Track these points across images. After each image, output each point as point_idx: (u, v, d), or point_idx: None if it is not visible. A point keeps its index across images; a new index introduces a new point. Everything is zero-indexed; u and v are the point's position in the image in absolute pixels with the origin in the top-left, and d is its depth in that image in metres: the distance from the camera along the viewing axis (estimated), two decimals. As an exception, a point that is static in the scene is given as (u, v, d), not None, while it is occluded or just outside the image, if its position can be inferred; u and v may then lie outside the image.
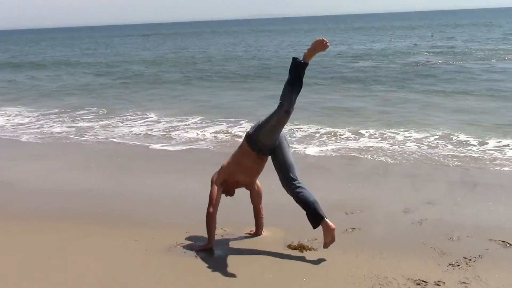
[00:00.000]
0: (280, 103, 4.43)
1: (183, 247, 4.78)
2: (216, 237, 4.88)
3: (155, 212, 5.91)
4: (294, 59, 4.40)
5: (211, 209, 4.57)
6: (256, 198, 4.96)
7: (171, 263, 4.42)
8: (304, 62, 4.36)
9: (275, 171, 4.67)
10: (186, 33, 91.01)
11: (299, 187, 4.54)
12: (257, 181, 4.91)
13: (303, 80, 4.44)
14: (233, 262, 4.43)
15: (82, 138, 11.03)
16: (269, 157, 4.71)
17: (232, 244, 4.86)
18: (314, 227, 4.55)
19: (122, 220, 5.64)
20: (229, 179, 4.68)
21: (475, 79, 18.09)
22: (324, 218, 4.47)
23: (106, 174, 7.81)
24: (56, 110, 14.84)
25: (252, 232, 5.08)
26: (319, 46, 4.31)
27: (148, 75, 24.19)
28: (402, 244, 4.80)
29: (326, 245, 4.53)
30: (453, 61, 24.06)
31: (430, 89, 16.46)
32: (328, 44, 4.29)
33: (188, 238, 5.00)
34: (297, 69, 4.36)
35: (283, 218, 5.49)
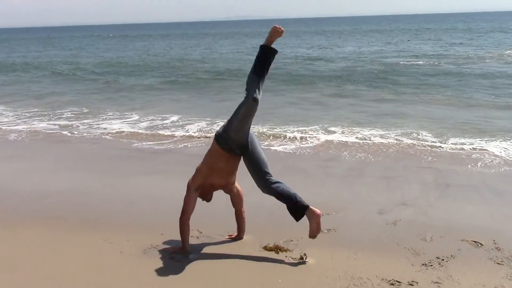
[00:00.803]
0: (246, 93, 4.42)
1: (159, 249, 4.74)
2: (192, 239, 4.87)
3: (131, 214, 5.85)
4: (262, 46, 4.44)
5: (184, 215, 4.57)
6: (236, 201, 4.89)
7: (146, 266, 4.37)
8: (274, 49, 4.44)
9: (248, 171, 4.65)
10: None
11: (276, 182, 4.55)
12: (237, 184, 4.83)
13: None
14: (208, 264, 4.41)
15: (56, 138, 10.86)
16: (242, 158, 4.66)
17: (208, 246, 4.84)
18: (298, 219, 4.54)
19: (96, 222, 5.57)
20: (204, 183, 4.61)
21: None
22: (308, 206, 4.48)
23: (80, 175, 7.71)
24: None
25: (233, 236, 5.04)
26: (275, 32, 4.40)
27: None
28: (376, 245, 4.85)
29: (312, 234, 4.52)
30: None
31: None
32: (282, 29, 4.41)
33: (164, 241, 4.96)
34: (266, 55, 4.43)
35: (258, 220, 5.50)
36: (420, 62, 25.86)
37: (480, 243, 4.84)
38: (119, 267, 4.36)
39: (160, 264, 4.41)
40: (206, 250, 4.74)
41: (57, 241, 5.00)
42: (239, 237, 5.00)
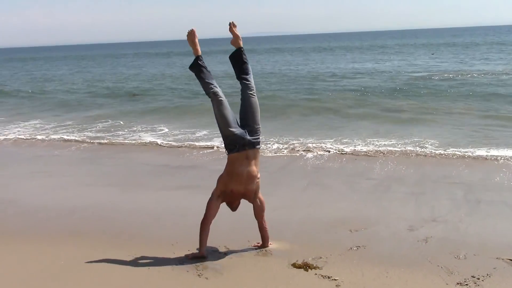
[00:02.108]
0: (208, 96, 4.86)
1: (185, 266, 4.69)
2: (220, 255, 4.88)
3: (157, 230, 5.83)
4: (195, 58, 4.93)
5: (204, 220, 4.81)
6: (257, 212, 4.97)
7: (173, 283, 4.33)
8: (197, 56, 4.93)
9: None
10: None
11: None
12: (260, 196, 4.93)
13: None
14: (237, 282, 4.34)
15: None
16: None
17: (236, 263, 4.76)
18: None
19: (123, 238, 5.55)
20: (225, 190, 4.79)
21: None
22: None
23: (105, 190, 7.75)
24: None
25: (259, 244, 5.12)
26: (189, 37, 4.97)
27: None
28: (408, 262, 4.72)
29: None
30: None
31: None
32: (189, 31, 4.95)
33: (190, 257, 4.90)
34: (194, 64, 4.93)
35: (286, 235, 5.43)
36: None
37: (516, 262, 4.67)
38: (146, 285, 4.31)
39: (187, 281, 4.36)
40: (234, 266, 4.67)
41: (83, 257, 4.98)
42: (263, 246, 5.07)
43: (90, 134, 13.65)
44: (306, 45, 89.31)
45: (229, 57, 5.15)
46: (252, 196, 4.87)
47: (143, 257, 4.93)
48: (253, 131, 4.80)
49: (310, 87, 22.95)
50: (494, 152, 9.77)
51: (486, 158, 9.36)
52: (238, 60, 5.07)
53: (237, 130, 4.74)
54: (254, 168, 4.74)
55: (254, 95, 4.96)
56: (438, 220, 6.03)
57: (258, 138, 4.83)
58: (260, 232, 5.05)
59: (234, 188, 4.76)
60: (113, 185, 8.14)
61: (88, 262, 4.85)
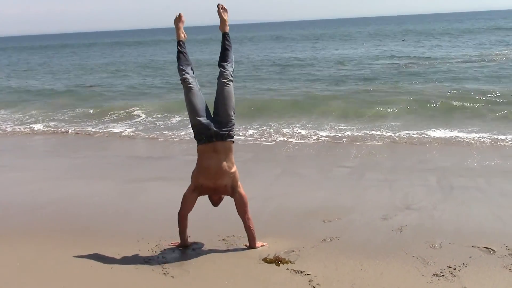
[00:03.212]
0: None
1: (151, 264, 4.45)
2: (189, 251, 4.68)
3: (122, 225, 5.57)
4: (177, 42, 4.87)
5: (179, 212, 4.64)
6: (238, 208, 4.64)
7: (138, 282, 4.08)
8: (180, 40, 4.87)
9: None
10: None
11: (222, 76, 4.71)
12: (241, 190, 4.60)
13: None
14: (204, 279, 4.12)
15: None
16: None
17: (204, 258, 4.54)
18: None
19: (86, 235, 5.28)
20: (197, 184, 4.56)
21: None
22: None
23: (71, 183, 7.42)
24: None
25: (248, 245, 4.80)
26: (176, 21, 4.92)
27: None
28: (383, 253, 4.57)
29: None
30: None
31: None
32: (178, 16, 4.93)
33: (157, 254, 4.67)
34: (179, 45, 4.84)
35: (258, 228, 5.17)
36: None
37: (492, 250, 4.57)
38: (108, 285, 4.06)
39: (152, 281, 4.12)
40: (202, 263, 4.44)
41: (42, 257, 4.70)
42: (250, 246, 4.74)
43: (55, 124, 13.23)
44: (278, 32, 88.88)
45: None
46: (228, 191, 4.59)
47: (106, 255, 4.66)
48: (224, 122, 4.51)
49: (281, 73, 22.70)
50: (463, 134, 9.81)
51: (457, 141, 9.34)
52: (221, 46, 4.87)
53: (204, 119, 4.50)
54: (223, 163, 4.44)
55: (229, 84, 4.66)
56: (412, 207, 5.91)
57: (229, 130, 4.52)
58: (246, 231, 4.71)
59: (203, 182, 4.51)
60: (80, 178, 7.81)
61: (47, 261, 4.57)
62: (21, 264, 4.54)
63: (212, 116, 4.58)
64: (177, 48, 4.81)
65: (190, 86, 4.59)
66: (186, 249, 4.74)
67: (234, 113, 4.61)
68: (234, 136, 4.61)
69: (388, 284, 3.92)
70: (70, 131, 12.37)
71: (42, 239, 5.19)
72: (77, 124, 13.30)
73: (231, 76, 4.72)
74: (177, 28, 4.91)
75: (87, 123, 13.40)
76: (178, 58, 4.76)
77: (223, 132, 4.47)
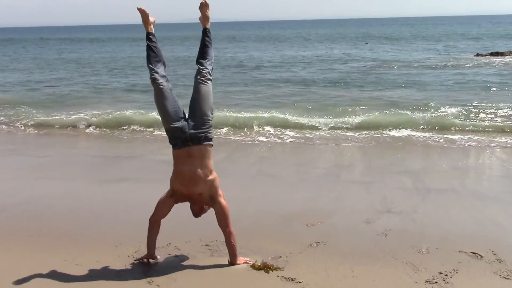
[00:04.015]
0: None
1: (133, 271, 4.20)
2: (170, 258, 4.47)
3: (98, 229, 5.28)
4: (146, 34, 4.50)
5: (151, 217, 4.31)
6: (218, 218, 4.27)
7: (120, 292, 3.85)
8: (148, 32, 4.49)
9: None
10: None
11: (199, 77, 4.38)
12: (221, 200, 4.24)
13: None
14: (193, 287, 3.92)
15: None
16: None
17: (190, 267, 4.31)
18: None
19: (59, 240, 4.96)
20: (174, 189, 4.23)
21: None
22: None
23: (37, 184, 7.03)
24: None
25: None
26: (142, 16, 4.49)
27: None
28: (372, 259, 4.48)
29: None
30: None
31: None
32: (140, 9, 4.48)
33: (138, 259, 4.42)
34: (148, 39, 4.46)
35: (239, 234, 4.99)
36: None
37: (479, 255, 4.55)
38: (90, 295, 3.81)
39: (136, 289, 3.89)
40: (187, 271, 4.22)
41: (9, 264, 4.37)
42: (231, 263, 4.34)
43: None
44: (247, 32, 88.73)
45: None
46: (205, 201, 4.23)
47: (83, 262, 4.38)
48: (200, 123, 4.16)
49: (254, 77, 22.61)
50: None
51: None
52: (201, 42, 4.56)
53: (178, 123, 4.15)
54: (198, 170, 4.09)
55: (206, 83, 4.33)
56: (393, 211, 5.88)
57: (206, 132, 4.17)
58: (227, 247, 4.34)
59: (178, 188, 4.18)
60: (46, 178, 7.42)
61: (16, 269, 4.22)
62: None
63: (187, 117, 4.25)
64: (146, 42, 4.44)
65: (161, 88, 4.23)
66: (168, 256, 4.51)
67: (211, 114, 4.29)
68: (213, 139, 4.27)
69: (383, 292, 3.83)
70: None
71: (9, 245, 4.85)
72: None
73: (210, 74, 4.40)
74: (143, 19, 4.52)
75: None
76: (147, 54, 4.42)
77: (200, 135, 4.13)
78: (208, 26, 4.59)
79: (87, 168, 8.09)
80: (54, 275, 4.14)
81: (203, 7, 4.60)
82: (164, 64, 4.47)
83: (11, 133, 11.55)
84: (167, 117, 4.19)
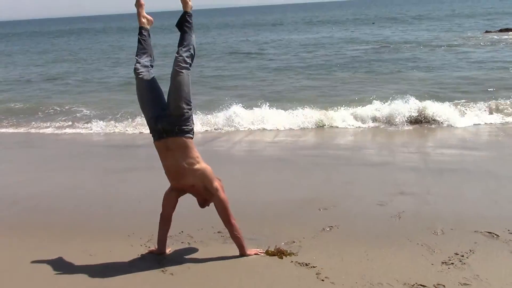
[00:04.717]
0: None
1: (146, 260, 4.19)
2: (183, 246, 4.45)
3: (111, 219, 5.27)
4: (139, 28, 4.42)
5: (161, 212, 4.25)
6: (219, 213, 4.12)
7: (135, 281, 3.83)
8: (141, 26, 4.40)
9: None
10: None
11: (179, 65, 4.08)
12: (219, 193, 4.07)
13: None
14: (206, 277, 3.88)
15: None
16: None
17: (203, 255, 4.26)
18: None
19: (73, 231, 4.96)
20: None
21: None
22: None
23: (48, 176, 7.04)
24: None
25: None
26: (137, 6, 4.41)
27: None
28: (386, 242, 4.42)
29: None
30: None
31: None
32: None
33: (151, 249, 4.41)
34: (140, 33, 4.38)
35: (252, 220, 4.98)
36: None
37: (495, 234, 4.48)
38: (103, 285, 3.80)
39: (150, 279, 3.86)
40: (201, 258, 4.19)
41: (25, 256, 4.36)
42: (241, 255, 4.20)
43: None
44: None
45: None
46: (200, 192, 4.11)
47: (96, 253, 4.37)
48: (175, 115, 3.97)
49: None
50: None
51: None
52: (180, 28, 4.25)
53: (152, 113, 4.03)
54: (181, 162, 3.95)
55: (181, 72, 4.02)
56: (406, 192, 5.82)
57: (181, 124, 3.97)
58: (232, 240, 4.20)
59: (171, 183, 4.12)
60: (57, 170, 7.43)
61: (32, 262, 4.23)
62: (5, 263, 4.22)
63: (165, 109, 4.06)
64: (137, 36, 4.36)
65: (141, 77, 4.12)
66: (180, 245, 4.49)
67: (188, 105, 4.01)
68: (192, 131, 4.07)
69: (399, 274, 3.77)
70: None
71: (25, 237, 4.87)
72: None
73: (185, 62, 4.07)
74: (137, 13, 4.41)
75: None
76: (137, 47, 4.33)
77: (173, 127, 3.95)
78: (188, 9, 4.25)
79: (97, 158, 8.10)
80: (69, 265, 4.14)
81: None
82: (150, 56, 4.33)
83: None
84: (143, 107, 4.12)
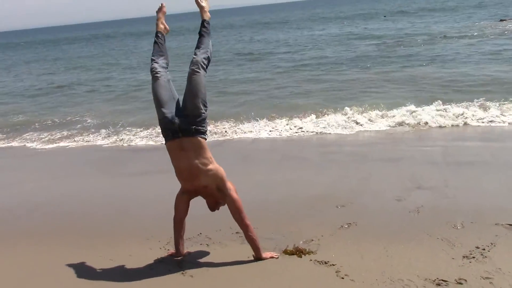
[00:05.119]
0: None
1: (166, 263, 4.21)
2: (201, 247, 4.47)
3: (127, 223, 5.31)
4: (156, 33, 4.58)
5: (174, 216, 4.26)
6: (232, 214, 4.09)
7: (155, 284, 3.85)
8: (157, 30, 4.57)
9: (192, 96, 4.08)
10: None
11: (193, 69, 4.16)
12: (231, 193, 4.06)
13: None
14: (225, 278, 3.90)
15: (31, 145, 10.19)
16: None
17: (221, 256, 4.29)
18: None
19: (90, 236, 5.00)
20: (181, 186, 4.18)
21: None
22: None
23: (62, 183, 7.11)
24: None
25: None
26: (159, 11, 4.63)
27: None
28: (406, 237, 4.40)
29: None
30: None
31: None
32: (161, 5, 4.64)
33: (169, 252, 4.43)
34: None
35: (267, 219, 4.98)
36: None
37: (517, 227, 4.43)
38: (125, 289, 3.83)
39: (170, 282, 3.88)
40: (219, 260, 4.20)
41: (45, 262, 4.43)
42: (257, 258, 4.17)
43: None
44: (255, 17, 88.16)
45: None
46: (214, 193, 4.10)
47: (116, 257, 4.40)
48: (192, 115, 4.00)
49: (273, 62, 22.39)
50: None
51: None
52: (198, 33, 4.45)
53: (168, 112, 4.04)
54: (195, 161, 3.95)
55: (198, 72, 4.10)
56: (424, 187, 5.77)
57: (198, 124, 4.00)
58: (247, 241, 4.17)
59: (183, 185, 4.11)
60: (72, 176, 7.50)
61: (52, 267, 4.29)
62: (27, 269, 4.28)
63: (180, 109, 4.09)
64: (154, 38, 4.52)
65: (157, 76, 4.20)
66: (199, 246, 4.51)
67: (204, 106, 4.07)
68: (207, 133, 4.10)
69: (420, 270, 3.74)
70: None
71: (44, 242, 4.93)
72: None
73: (203, 64, 4.17)
74: (157, 18, 4.60)
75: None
76: (153, 48, 4.46)
77: (190, 127, 3.97)
78: (206, 18, 4.46)
79: (110, 163, 8.15)
80: (89, 270, 4.18)
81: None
82: (166, 59, 4.43)
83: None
84: (159, 105, 4.11)
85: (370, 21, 40.82)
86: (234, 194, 4.08)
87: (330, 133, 9.11)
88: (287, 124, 9.83)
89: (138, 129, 10.66)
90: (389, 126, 9.29)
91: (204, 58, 4.21)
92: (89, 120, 12.37)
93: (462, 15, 36.57)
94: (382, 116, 9.80)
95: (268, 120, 10.22)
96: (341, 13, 61.71)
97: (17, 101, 17.03)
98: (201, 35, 4.36)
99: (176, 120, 3.99)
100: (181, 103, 4.14)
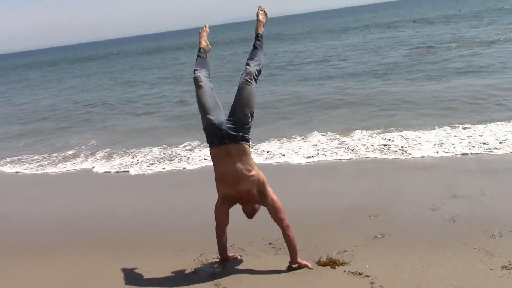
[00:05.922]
0: None
1: (200, 274, 4.25)
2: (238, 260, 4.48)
3: (161, 235, 5.37)
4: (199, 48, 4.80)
5: (216, 227, 4.32)
6: (273, 215, 4.17)
7: (190, 295, 3.89)
8: (200, 47, 4.78)
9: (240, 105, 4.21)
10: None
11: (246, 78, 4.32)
12: (271, 195, 4.15)
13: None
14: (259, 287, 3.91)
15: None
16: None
17: (255, 266, 4.30)
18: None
19: (125, 248, 5.10)
20: (221, 194, 4.20)
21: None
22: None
23: (97, 197, 7.26)
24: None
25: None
26: (202, 32, 4.93)
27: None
28: (441, 247, 4.32)
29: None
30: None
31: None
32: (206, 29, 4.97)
33: (202, 262, 4.48)
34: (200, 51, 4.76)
35: (299, 230, 4.94)
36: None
37: (558, 236, 4.30)
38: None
39: (205, 291, 3.92)
40: (253, 271, 4.22)
41: (85, 274, 4.53)
42: (292, 262, 4.21)
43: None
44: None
45: None
46: (255, 198, 4.13)
47: (151, 268, 4.47)
48: (239, 123, 4.10)
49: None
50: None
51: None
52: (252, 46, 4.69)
53: (215, 119, 4.13)
54: (239, 166, 4.01)
55: (250, 83, 4.26)
56: (459, 195, 5.66)
57: (244, 132, 4.09)
58: (285, 242, 4.21)
59: (225, 191, 4.12)
60: (101, 190, 7.64)
61: (89, 280, 4.39)
62: (65, 281, 4.37)
63: (228, 116, 4.21)
64: (197, 53, 4.74)
65: (201, 85, 4.35)
66: (227, 261, 4.53)
67: (251, 115, 4.19)
68: (250, 141, 4.17)
69: (457, 282, 3.67)
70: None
71: (81, 255, 5.04)
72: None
73: (255, 75, 4.33)
74: (200, 36, 4.90)
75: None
76: (196, 61, 4.67)
77: (237, 133, 4.06)
78: (260, 32, 4.66)
79: (143, 175, 8.27)
80: (125, 282, 4.25)
81: (261, 13, 4.77)
82: (208, 71, 4.60)
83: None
84: (205, 112, 4.19)
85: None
86: (274, 195, 4.18)
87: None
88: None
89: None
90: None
91: (257, 70, 4.38)
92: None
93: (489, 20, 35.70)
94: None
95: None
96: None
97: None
98: (255, 47, 4.56)
99: (224, 126, 4.08)
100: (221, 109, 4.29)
